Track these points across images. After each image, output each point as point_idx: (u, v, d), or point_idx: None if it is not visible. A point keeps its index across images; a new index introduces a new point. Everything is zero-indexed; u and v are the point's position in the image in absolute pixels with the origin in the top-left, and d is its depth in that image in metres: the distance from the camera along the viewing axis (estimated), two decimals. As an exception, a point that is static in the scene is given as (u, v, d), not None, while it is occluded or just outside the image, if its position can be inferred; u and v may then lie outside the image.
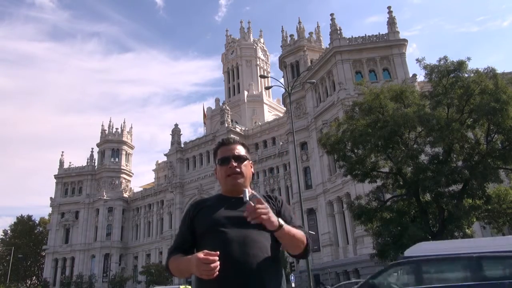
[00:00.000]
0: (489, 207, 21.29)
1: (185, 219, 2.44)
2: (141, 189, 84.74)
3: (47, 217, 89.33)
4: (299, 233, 2.30)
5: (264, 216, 2.07)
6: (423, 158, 22.01)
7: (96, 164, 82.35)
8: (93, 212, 78.17)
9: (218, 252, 2.04)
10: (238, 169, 2.46)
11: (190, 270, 2.12)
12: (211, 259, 2.01)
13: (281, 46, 62.17)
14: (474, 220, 22.30)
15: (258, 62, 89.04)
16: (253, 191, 2.50)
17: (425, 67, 22.54)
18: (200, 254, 2.03)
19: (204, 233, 2.30)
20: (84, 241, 75.75)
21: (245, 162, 2.51)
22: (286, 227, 2.19)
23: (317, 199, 48.59)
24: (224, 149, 2.54)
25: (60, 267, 75.94)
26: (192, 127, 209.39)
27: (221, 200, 2.45)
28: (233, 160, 2.47)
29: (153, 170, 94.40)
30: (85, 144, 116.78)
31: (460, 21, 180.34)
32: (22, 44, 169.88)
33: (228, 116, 68.66)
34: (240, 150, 2.53)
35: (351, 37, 48.32)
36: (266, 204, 2.13)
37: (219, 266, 2.01)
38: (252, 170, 2.59)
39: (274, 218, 2.13)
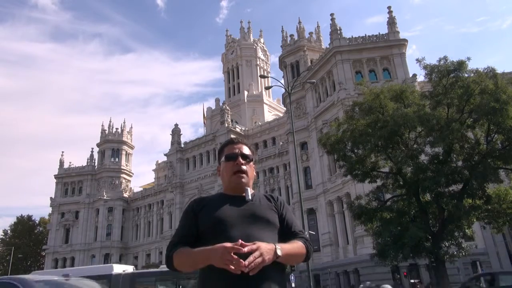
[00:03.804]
0: (489, 207, 21.29)
1: (189, 213, 2.40)
2: (141, 189, 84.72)
3: (47, 217, 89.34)
4: (297, 248, 2.31)
5: (262, 263, 2.05)
6: (423, 158, 22.00)
7: (96, 164, 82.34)
8: (93, 212, 78.15)
9: (240, 241, 2.04)
10: (244, 167, 2.47)
11: (209, 260, 2.07)
12: (238, 248, 2.00)
13: (281, 46, 62.14)
14: (474, 220, 22.29)
15: (258, 62, 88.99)
16: (254, 191, 2.52)
17: (425, 67, 22.52)
18: (228, 244, 2.03)
19: (207, 230, 2.29)
20: (84, 241, 75.73)
21: (251, 164, 2.54)
22: (284, 252, 2.17)
23: (317, 199, 48.58)
24: (232, 147, 2.55)
25: (60, 267, 75.77)
26: (193, 127, 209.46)
27: (223, 198, 2.45)
28: (240, 158, 2.49)
29: (153, 170, 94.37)
30: (85, 144, 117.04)
31: (460, 22, 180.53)
32: (24, 45, 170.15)
33: (228, 116, 68.63)
34: (247, 151, 2.56)
35: (351, 37, 48.30)
36: (255, 245, 2.06)
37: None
38: (254, 173, 2.61)
39: (269, 255, 2.09)
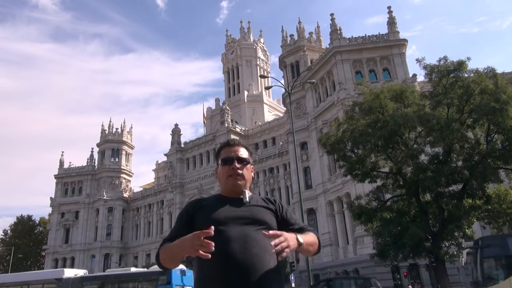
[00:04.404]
0: (489, 207, 21.28)
1: (183, 215, 2.43)
2: (141, 189, 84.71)
3: (47, 217, 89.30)
4: (312, 237, 2.39)
5: (288, 247, 2.09)
6: (423, 158, 21.98)
7: (96, 164, 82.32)
8: (93, 212, 78.14)
9: (213, 227, 2.04)
10: (240, 171, 2.47)
11: (184, 249, 2.08)
12: (208, 231, 2.00)
13: (281, 46, 62.11)
14: (474, 220, 22.30)
15: (258, 62, 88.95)
16: (252, 193, 2.52)
17: (425, 67, 22.51)
18: (196, 231, 2.05)
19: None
20: (84, 241, 75.72)
21: (247, 166, 2.53)
22: (304, 241, 2.24)
23: (317, 199, 48.56)
24: (228, 150, 2.55)
25: (60, 267, 75.80)
26: (193, 127, 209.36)
27: (220, 200, 2.45)
28: (236, 162, 2.48)
29: (153, 170, 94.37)
30: (85, 144, 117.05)
31: (460, 22, 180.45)
32: (24, 45, 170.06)
33: (228, 116, 68.59)
34: (244, 153, 2.55)
35: (351, 37, 48.28)
36: (280, 232, 2.13)
37: (216, 249, 1.99)
38: (252, 174, 2.61)
39: (293, 242, 2.15)
